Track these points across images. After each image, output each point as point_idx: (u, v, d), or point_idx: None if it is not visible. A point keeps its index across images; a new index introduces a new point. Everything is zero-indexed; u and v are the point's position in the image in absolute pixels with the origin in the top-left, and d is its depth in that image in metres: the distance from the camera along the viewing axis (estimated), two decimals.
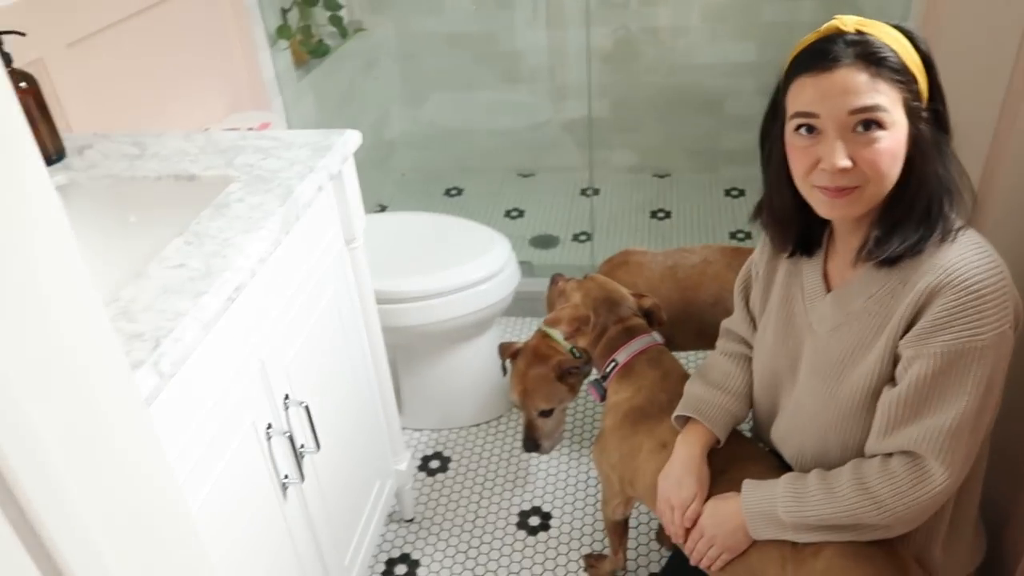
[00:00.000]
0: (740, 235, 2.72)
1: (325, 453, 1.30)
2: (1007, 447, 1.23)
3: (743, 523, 1.07)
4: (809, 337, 1.08)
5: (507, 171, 3.21)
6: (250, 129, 1.58)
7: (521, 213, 2.97)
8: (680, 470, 1.17)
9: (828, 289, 1.05)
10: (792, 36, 0.98)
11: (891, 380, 0.98)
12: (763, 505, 1.06)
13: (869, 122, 0.88)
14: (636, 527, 1.73)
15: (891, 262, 0.94)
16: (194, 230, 1.05)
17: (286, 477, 1.17)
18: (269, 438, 1.10)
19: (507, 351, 1.67)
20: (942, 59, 0.93)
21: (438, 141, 3.13)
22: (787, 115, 0.94)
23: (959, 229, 0.93)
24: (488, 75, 2.99)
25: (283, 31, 2.10)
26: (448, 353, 1.96)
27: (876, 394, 0.99)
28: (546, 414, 1.60)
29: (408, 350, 1.96)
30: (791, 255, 1.10)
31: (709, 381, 1.25)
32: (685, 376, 1.33)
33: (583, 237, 2.79)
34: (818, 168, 0.92)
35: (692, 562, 1.16)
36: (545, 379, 1.56)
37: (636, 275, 1.66)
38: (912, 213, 0.92)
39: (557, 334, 1.55)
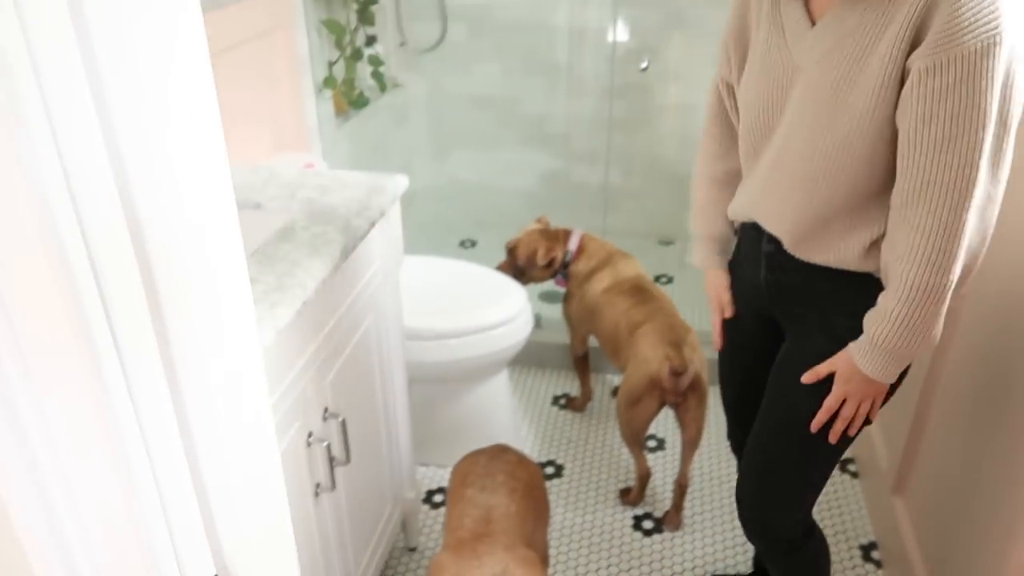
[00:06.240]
0: None
1: (352, 468, 1.39)
2: None
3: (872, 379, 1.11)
4: (797, 77, 1.07)
5: (521, 227, 3.36)
6: (307, 166, 1.72)
7: None
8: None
9: (811, 22, 1.06)
10: None
11: (894, 102, 0.98)
12: (876, 359, 1.08)
13: None
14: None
15: None
16: (264, 251, 1.17)
17: (318, 485, 1.26)
18: (309, 445, 1.21)
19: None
20: None
21: (457, 194, 3.29)
22: None
23: None
24: (509, 136, 3.17)
25: (329, 82, 2.26)
26: (459, 393, 2.06)
27: (877, 116, 0.99)
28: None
29: (422, 386, 2.06)
30: None
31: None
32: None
33: None
34: None
35: (836, 433, 1.18)
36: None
37: None
38: None
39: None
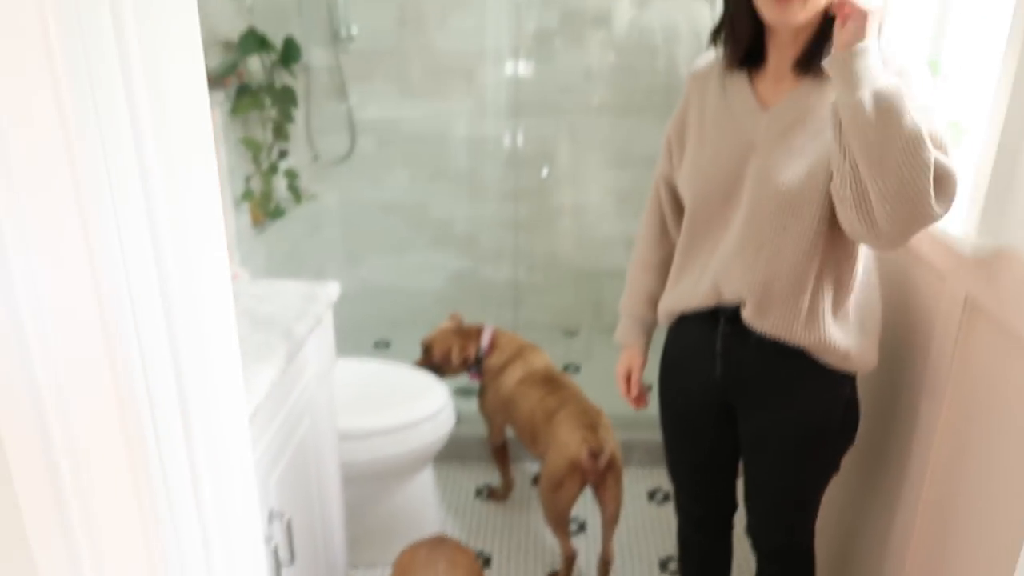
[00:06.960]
0: None
1: (294, 570, 1.42)
2: None
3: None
4: (752, 153, 1.25)
5: (433, 326, 3.47)
6: (233, 277, 1.80)
7: None
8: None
9: (762, 107, 1.25)
10: None
11: None
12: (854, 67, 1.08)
13: None
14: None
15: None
16: None
17: None
18: None
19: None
20: None
21: (370, 297, 3.38)
22: None
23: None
24: (419, 239, 3.32)
25: (247, 195, 2.36)
26: (384, 492, 2.10)
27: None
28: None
29: (348, 486, 2.09)
30: (740, 66, 1.28)
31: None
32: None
33: None
34: None
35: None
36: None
37: None
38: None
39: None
